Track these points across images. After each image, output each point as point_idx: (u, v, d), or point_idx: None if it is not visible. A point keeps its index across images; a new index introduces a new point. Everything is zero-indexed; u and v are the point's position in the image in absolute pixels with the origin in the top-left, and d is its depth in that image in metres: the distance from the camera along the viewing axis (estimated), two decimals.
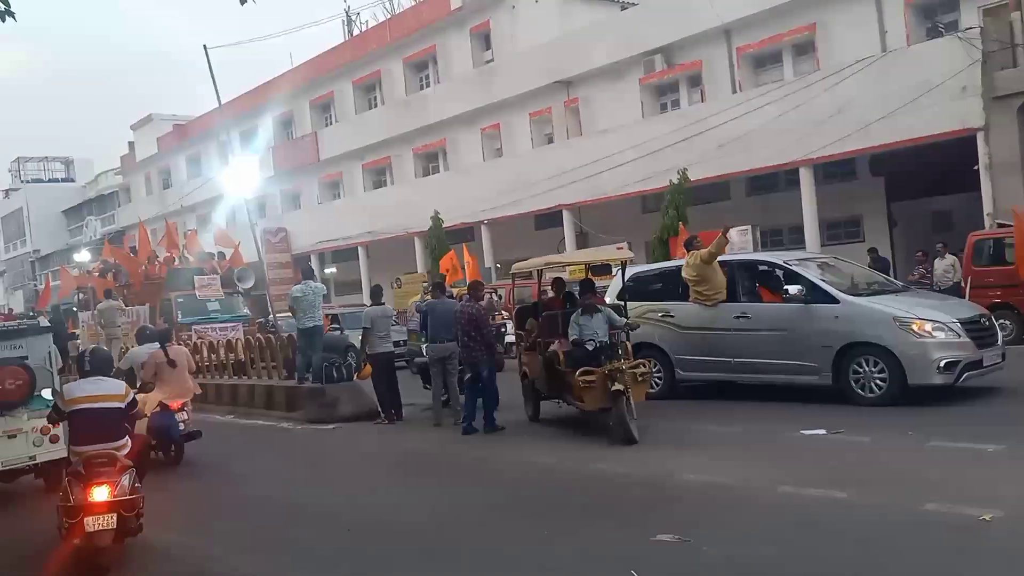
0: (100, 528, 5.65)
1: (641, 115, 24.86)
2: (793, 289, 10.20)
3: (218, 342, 17.02)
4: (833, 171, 21.27)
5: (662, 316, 11.20)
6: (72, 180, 62.98)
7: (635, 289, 11.50)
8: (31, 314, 26.70)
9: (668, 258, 18.81)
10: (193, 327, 18.87)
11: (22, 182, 62.46)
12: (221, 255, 22.75)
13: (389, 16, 37.86)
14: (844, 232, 22.07)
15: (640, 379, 8.84)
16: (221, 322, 19.46)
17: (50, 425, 8.26)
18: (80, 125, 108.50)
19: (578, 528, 6.03)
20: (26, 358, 8.73)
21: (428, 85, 32.92)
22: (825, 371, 9.65)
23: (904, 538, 5.21)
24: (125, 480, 5.85)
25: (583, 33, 26.03)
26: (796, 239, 21.22)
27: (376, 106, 34.80)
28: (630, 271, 11.70)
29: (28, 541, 6.94)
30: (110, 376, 7.06)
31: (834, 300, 9.71)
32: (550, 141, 28.11)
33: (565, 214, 25.01)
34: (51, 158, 64.93)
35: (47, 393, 8.35)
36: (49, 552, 6.01)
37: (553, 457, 8.46)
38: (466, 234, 28.73)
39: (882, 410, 9.09)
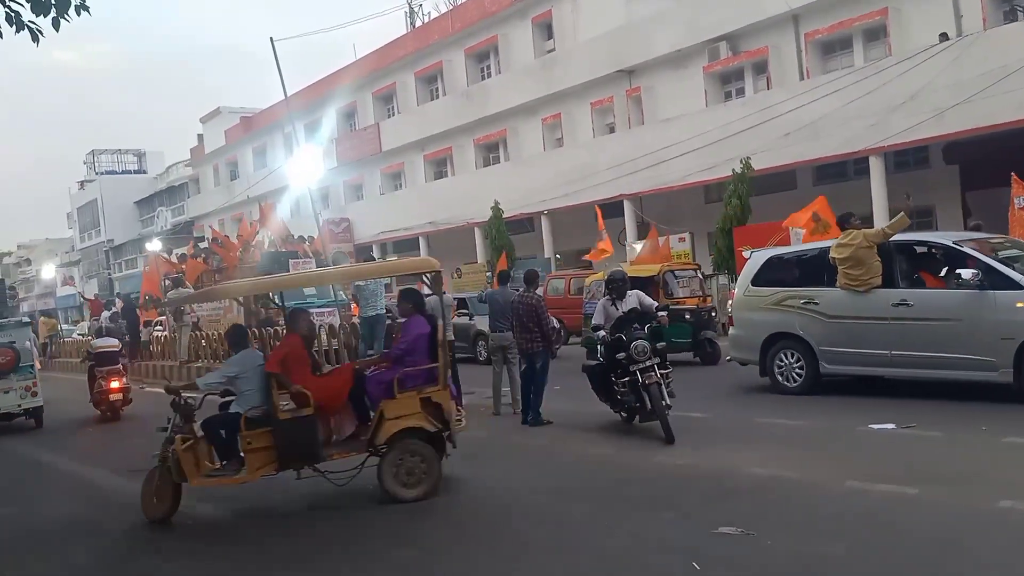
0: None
1: (705, 103, 24.50)
2: (967, 274, 8.84)
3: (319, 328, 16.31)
4: (905, 159, 20.70)
5: (805, 303, 10.22)
6: (144, 172, 64.86)
7: (772, 274, 10.83)
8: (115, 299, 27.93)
9: (731, 249, 18.57)
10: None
11: (96, 174, 64.55)
12: (310, 238, 22.59)
13: (451, 7, 38.02)
14: (916, 223, 21.33)
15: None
16: (318, 307, 18.31)
17: (30, 383, 13.51)
18: (153, 118, 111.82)
19: (639, 518, 5.98)
20: (13, 343, 13.63)
21: (489, 75, 32.96)
22: (1005, 367, 8.55)
23: (976, 536, 5.05)
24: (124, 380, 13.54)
25: (646, 21, 25.74)
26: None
27: (438, 97, 35.00)
28: (766, 253, 11.24)
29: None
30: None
31: (1017, 286, 8.59)
32: (612, 131, 27.91)
33: (626, 204, 24.83)
34: (124, 150, 66.96)
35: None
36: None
37: (612, 448, 8.43)
38: (526, 224, 28.77)
39: (954, 404, 8.83)
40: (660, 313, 9.16)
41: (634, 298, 9.27)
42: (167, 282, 24.05)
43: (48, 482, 9.88)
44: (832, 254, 9.90)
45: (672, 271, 16.09)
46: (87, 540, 6.87)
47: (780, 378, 10.57)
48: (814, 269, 10.46)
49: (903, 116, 18.20)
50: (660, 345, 8.67)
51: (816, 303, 10.13)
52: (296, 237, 22.52)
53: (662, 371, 8.49)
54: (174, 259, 25.72)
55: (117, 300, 28.37)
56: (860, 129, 18.87)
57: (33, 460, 11.46)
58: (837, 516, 5.61)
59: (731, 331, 11.65)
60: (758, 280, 10.90)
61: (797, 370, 10.40)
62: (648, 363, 8.37)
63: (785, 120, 19.89)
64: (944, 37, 19.41)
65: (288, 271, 17.83)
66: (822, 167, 22.07)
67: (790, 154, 20.42)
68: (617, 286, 9.36)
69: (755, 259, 11.27)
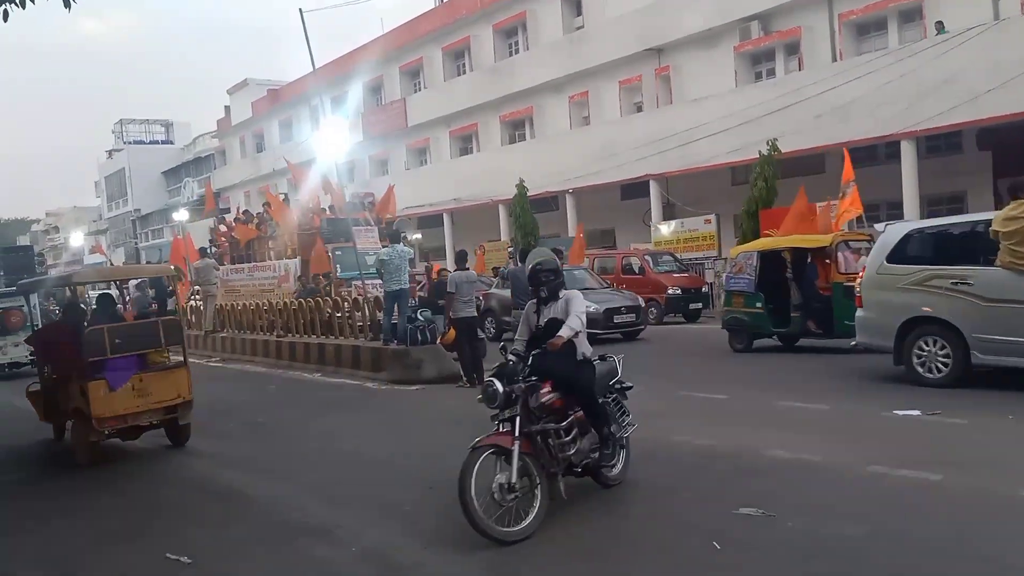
0: None
1: (734, 84, 24.25)
2: None
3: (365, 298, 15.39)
4: (937, 144, 20.40)
5: (955, 284, 8.99)
6: (171, 142, 65.37)
7: (912, 251, 9.65)
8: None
9: (757, 233, 18.41)
10: (352, 283, 17.20)
11: (124, 143, 65.09)
12: (370, 203, 21.34)
13: None
14: (946, 209, 21.15)
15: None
16: (369, 279, 16.78)
17: None
18: (181, 89, 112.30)
19: (658, 498, 6.00)
20: (22, 306, 17.15)
21: (517, 52, 32.78)
22: None
23: (999, 523, 5.02)
24: None
25: None
26: (894, 215, 20.43)
27: (464, 73, 34.88)
28: (905, 227, 9.94)
29: None
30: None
31: None
32: (639, 110, 27.71)
33: (652, 184, 24.68)
34: (152, 120, 67.50)
35: None
36: None
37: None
38: (550, 203, 28.68)
39: (980, 392, 8.74)
40: (560, 335, 5.65)
41: (562, 303, 5.96)
42: (214, 249, 23.44)
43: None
44: (994, 227, 8.60)
45: (846, 242, 13.36)
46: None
47: (920, 368, 9.39)
48: (967, 245, 9.22)
49: (937, 100, 17.92)
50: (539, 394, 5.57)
51: (969, 284, 8.88)
52: (357, 203, 20.78)
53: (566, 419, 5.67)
54: (222, 227, 24.63)
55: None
56: (893, 112, 18.60)
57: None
58: (858, 499, 5.60)
59: (859, 313, 10.26)
60: (894, 257, 9.67)
61: (941, 360, 9.21)
62: (506, 415, 5.53)
63: (816, 102, 19.64)
64: (940, 27, 19.12)
65: (351, 239, 16.76)
66: (852, 150, 21.68)
67: (820, 136, 20.18)
68: (546, 280, 5.97)
69: (891, 233, 9.98)
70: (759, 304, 13.41)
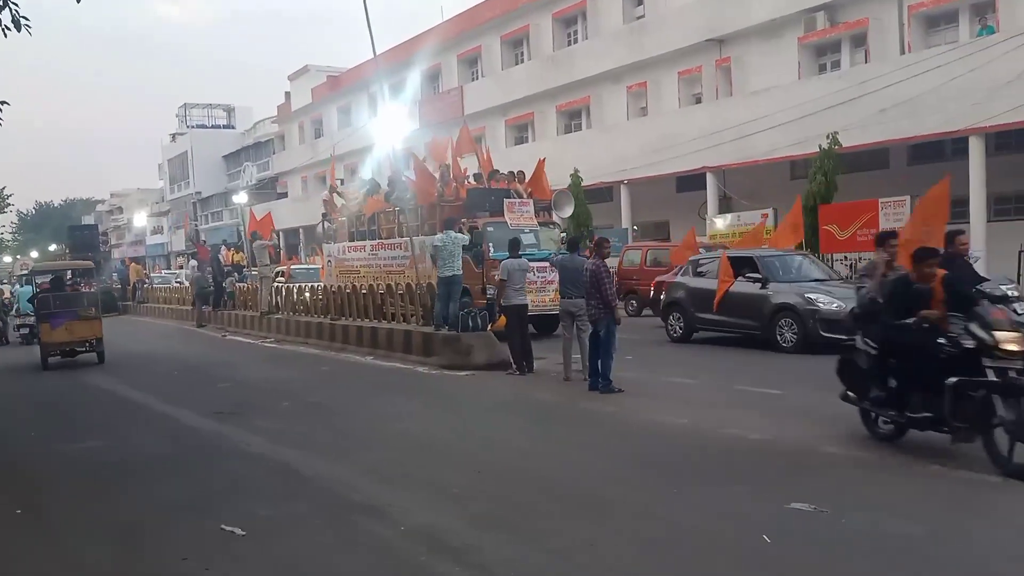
0: None
1: (797, 76, 23.78)
2: None
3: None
4: (1006, 141, 19.74)
5: None
6: (232, 127, 66.56)
7: None
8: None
9: (815, 228, 18.08)
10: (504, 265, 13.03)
11: (187, 127, 66.48)
12: (519, 173, 17.84)
13: None
14: (1014, 208, 20.52)
15: None
16: (538, 260, 14.71)
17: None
18: (245, 74, 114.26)
19: (711, 489, 5.95)
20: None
21: (576, 41, 32.58)
22: None
23: None
24: None
25: None
26: (959, 213, 19.81)
27: (522, 61, 34.80)
28: None
29: None
30: None
31: None
32: (698, 101, 27.35)
33: (709, 177, 24.36)
34: (214, 105, 68.79)
35: None
36: None
37: (686, 418, 8.36)
38: (604, 194, 28.51)
39: None
40: None
41: None
42: (327, 224, 21.32)
43: (139, 420, 10.36)
44: None
45: None
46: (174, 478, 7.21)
47: None
48: None
49: (1008, 96, 17.34)
50: None
51: None
52: (506, 173, 17.73)
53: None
54: (335, 197, 21.66)
55: (223, 248, 29.33)
56: (962, 108, 18.05)
57: (122, 397, 12.05)
58: (918, 498, 5.49)
59: None
60: None
61: None
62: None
63: (881, 96, 19.15)
64: (983, 24, 18.50)
65: (502, 212, 15.58)
66: (917, 146, 21.22)
67: (884, 131, 19.68)
68: None
69: None
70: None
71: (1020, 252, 17.93)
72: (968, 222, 18.60)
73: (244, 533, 5.40)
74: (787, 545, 4.77)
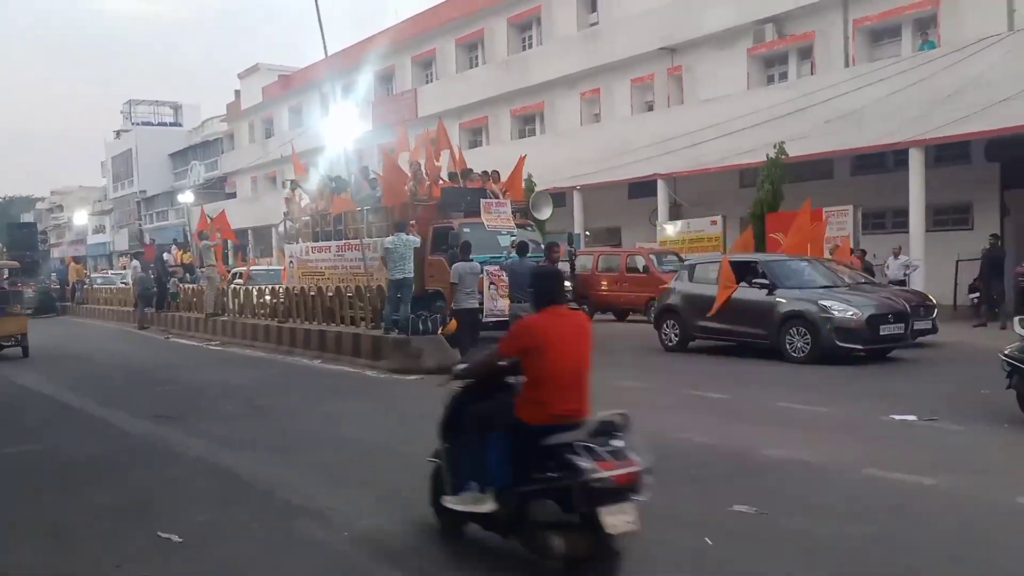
0: None
1: (746, 86, 24.18)
2: None
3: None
4: (946, 154, 20.29)
5: None
6: (179, 124, 65.34)
7: None
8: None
9: (764, 235, 18.39)
10: (485, 268, 13.20)
11: (132, 124, 65.07)
12: (494, 173, 17.22)
13: None
14: (951, 219, 21.10)
15: None
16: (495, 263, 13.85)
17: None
18: (192, 71, 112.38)
19: (654, 492, 5.98)
20: None
21: (531, 46, 32.69)
22: None
23: (996, 529, 5.02)
24: None
25: None
26: (899, 223, 20.40)
27: (477, 65, 34.79)
28: None
29: None
30: None
31: None
32: (650, 108, 27.64)
33: (660, 184, 24.61)
34: (160, 102, 67.49)
35: None
36: None
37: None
38: (557, 199, 28.56)
39: (976, 401, 8.71)
40: None
41: None
42: (288, 223, 20.84)
43: (75, 424, 10.09)
44: None
45: None
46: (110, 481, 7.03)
47: None
48: None
49: (949, 109, 17.82)
50: None
51: None
52: (480, 172, 17.00)
53: None
54: (296, 194, 20.93)
55: (173, 247, 28.73)
56: (903, 120, 18.51)
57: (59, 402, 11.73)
58: (853, 500, 5.60)
59: None
60: None
61: None
62: None
63: (827, 107, 19.57)
64: (925, 39, 19.24)
65: (479, 211, 14.70)
66: (860, 157, 21.72)
67: (829, 142, 20.10)
68: None
69: None
70: None
71: (957, 262, 18.47)
72: (907, 232, 19.11)
73: (181, 540, 5.28)
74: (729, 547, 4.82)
